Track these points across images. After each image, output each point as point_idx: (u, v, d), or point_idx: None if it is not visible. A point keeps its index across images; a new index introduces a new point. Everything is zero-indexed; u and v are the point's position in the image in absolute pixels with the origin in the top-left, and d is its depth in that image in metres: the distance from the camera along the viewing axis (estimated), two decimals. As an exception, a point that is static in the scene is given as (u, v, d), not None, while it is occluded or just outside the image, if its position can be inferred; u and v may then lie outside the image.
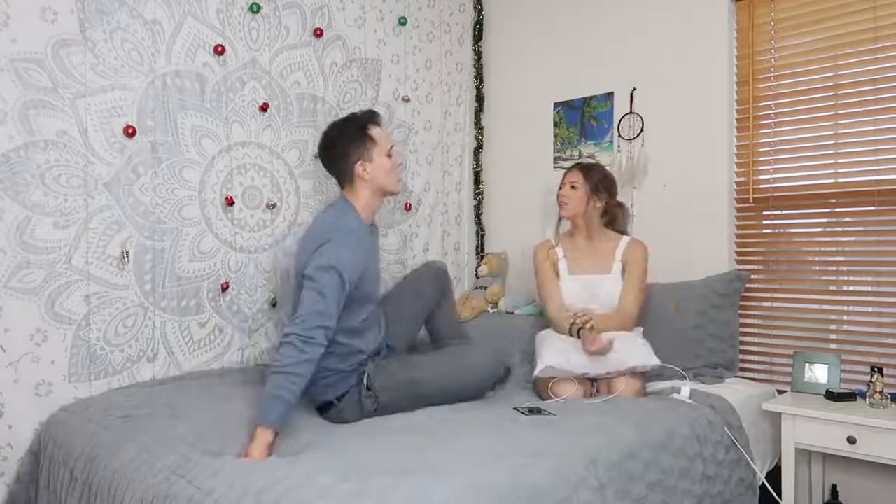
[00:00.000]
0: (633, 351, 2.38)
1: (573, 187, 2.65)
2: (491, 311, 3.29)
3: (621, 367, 2.35)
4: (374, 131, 2.28)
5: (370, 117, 2.31)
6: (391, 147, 2.31)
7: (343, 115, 2.96)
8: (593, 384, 2.46)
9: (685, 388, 2.31)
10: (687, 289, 2.70)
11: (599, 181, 2.65)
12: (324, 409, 2.19)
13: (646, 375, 2.45)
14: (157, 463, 1.70)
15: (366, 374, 2.18)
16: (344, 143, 2.27)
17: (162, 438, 1.82)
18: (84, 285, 2.26)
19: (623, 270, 2.60)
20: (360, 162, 2.24)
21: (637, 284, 2.57)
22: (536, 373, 2.40)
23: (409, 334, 2.54)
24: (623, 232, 2.73)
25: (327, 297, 2.01)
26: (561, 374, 2.38)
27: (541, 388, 2.46)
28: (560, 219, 2.75)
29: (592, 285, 2.60)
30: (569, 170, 2.73)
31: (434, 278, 2.57)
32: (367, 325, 2.26)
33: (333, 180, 2.92)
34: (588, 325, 2.36)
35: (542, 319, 2.92)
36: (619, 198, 2.79)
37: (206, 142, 2.56)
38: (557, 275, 2.69)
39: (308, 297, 2.02)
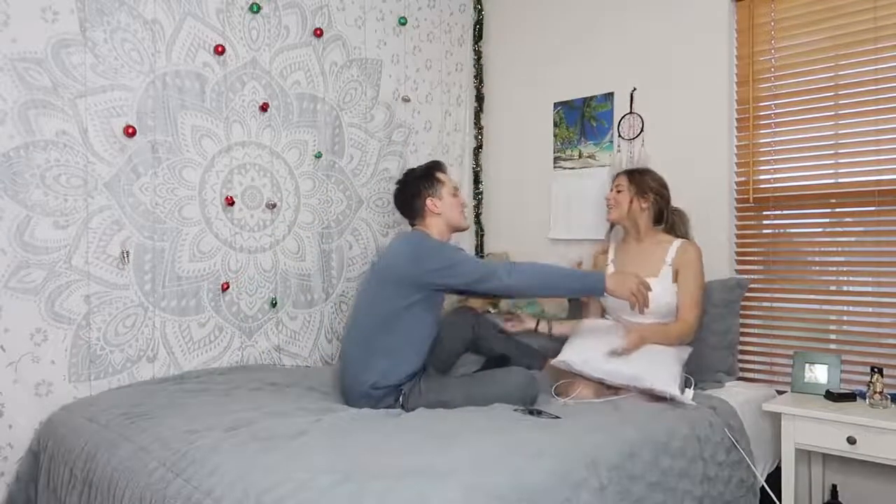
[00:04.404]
0: (659, 374, 2.27)
1: (619, 191, 2.66)
2: (492, 311, 3.28)
3: (639, 384, 2.27)
4: (440, 175, 2.56)
5: (436, 164, 2.62)
6: (455, 188, 2.58)
7: (343, 114, 2.99)
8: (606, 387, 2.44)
9: (687, 391, 2.30)
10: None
11: (645, 183, 2.62)
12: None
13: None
14: (155, 461, 1.71)
15: (402, 393, 2.28)
16: (415, 182, 2.53)
17: (161, 436, 1.82)
18: (84, 285, 2.26)
19: (675, 276, 2.51)
20: (430, 198, 2.49)
21: (692, 291, 2.48)
22: (553, 361, 2.40)
23: (446, 362, 2.59)
24: (680, 236, 2.64)
25: (465, 257, 2.33)
26: (577, 373, 2.37)
27: (551, 378, 2.45)
28: (612, 226, 2.77)
29: None
30: (616, 175, 2.73)
31: (471, 318, 2.69)
32: (422, 339, 2.34)
33: (333, 180, 2.97)
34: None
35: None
36: None
37: (206, 142, 2.56)
38: None
39: (466, 267, 2.27)
